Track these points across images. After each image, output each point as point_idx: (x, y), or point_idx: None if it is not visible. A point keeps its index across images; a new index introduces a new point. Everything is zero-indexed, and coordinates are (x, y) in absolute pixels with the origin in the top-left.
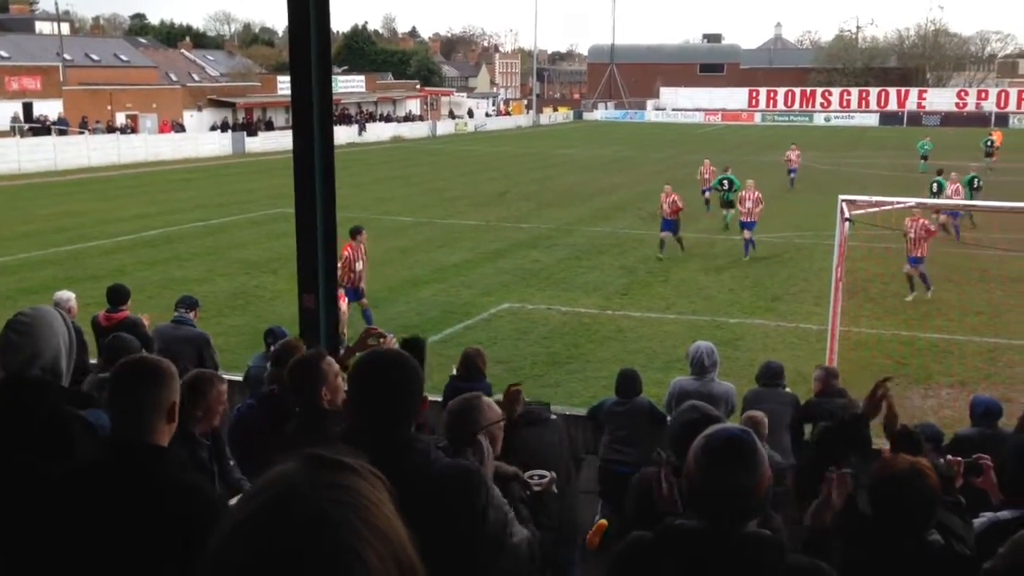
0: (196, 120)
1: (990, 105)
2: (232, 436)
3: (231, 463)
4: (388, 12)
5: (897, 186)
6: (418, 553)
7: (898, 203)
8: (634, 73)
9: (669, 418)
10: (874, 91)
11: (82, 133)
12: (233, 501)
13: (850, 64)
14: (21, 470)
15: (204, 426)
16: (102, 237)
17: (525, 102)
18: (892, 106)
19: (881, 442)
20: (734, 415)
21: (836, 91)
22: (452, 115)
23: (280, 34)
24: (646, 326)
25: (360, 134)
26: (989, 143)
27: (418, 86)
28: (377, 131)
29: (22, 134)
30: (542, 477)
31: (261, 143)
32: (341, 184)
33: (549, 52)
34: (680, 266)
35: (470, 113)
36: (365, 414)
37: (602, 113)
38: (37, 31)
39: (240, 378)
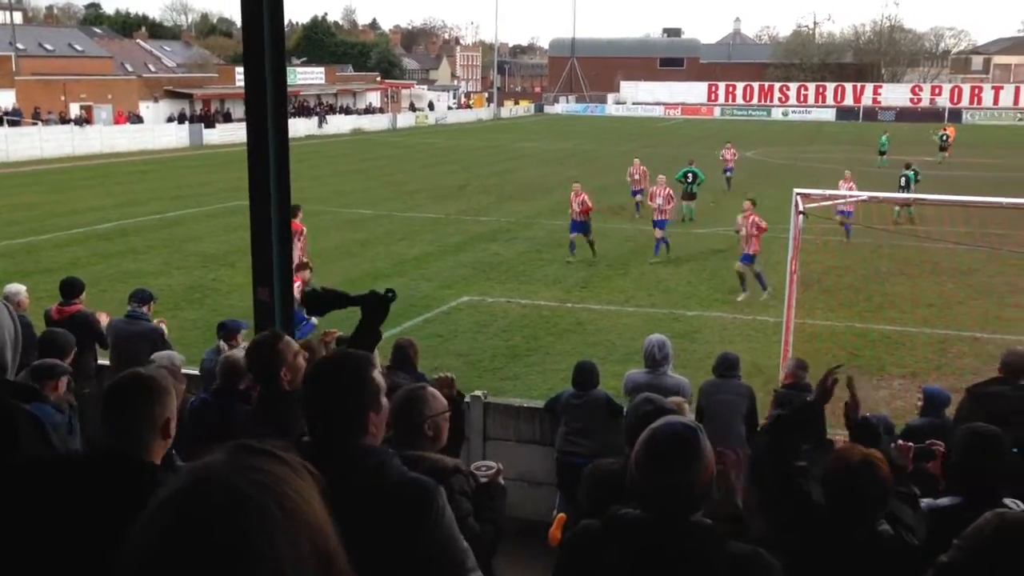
0: (153, 111)
1: (944, 101)
2: (184, 431)
3: (178, 462)
4: (348, 3)
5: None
6: (342, 547)
7: (851, 197)
8: (595, 67)
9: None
10: (831, 86)
11: (35, 124)
12: None
13: (807, 59)
14: None
15: None
16: (56, 230)
17: (486, 95)
18: (848, 101)
19: (836, 433)
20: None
21: (793, 86)
22: (413, 108)
23: (238, 25)
24: (605, 319)
25: (320, 126)
26: (944, 137)
27: (378, 78)
28: (337, 123)
29: None
30: (489, 468)
31: (219, 135)
32: (300, 177)
33: (510, 45)
34: (639, 259)
35: (431, 106)
36: (314, 425)
37: (563, 107)
38: None
39: (197, 372)
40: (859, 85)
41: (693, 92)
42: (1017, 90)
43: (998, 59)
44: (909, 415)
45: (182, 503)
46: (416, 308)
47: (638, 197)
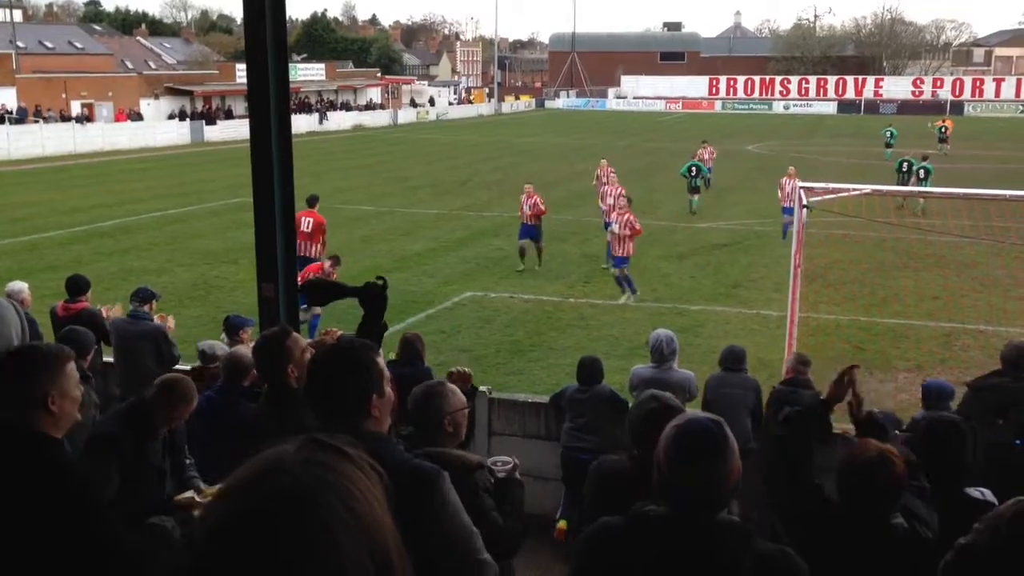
0: (153, 109)
1: (946, 93)
2: (189, 428)
3: (188, 461)
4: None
5: (855, 173)
6: (402, 550)
7: (855, 190)
8: (595, 61)
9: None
10: (832, 79)
11: (36, 122)
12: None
13: (808, 53)
14: None
15: (170, 426)
16: (58, 228)
17: (487, 90)
18: (850, 94)
19: (842, 427)
20: (694, 402)
21: (795, 79)
22: (414, 103)
23: (238, 21)
24: (608, 314)
25: (321, 123)
26: (943, 129)
27: (379, 74)
28: (338, 120)
29: None
30: (505, 463)
31: (220, 132)
32: (302, 173)
33: (510, 40)
34: (642, 254)
35: (432, 101)
36: (317, 409)
37: (564, 101)
38: None
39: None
40: (860, 78)
41: (694, 86)
42: (1019, 82)
43: (999, 51)
44: (915, 408)
45: (249, 494)
46: (419, 304)
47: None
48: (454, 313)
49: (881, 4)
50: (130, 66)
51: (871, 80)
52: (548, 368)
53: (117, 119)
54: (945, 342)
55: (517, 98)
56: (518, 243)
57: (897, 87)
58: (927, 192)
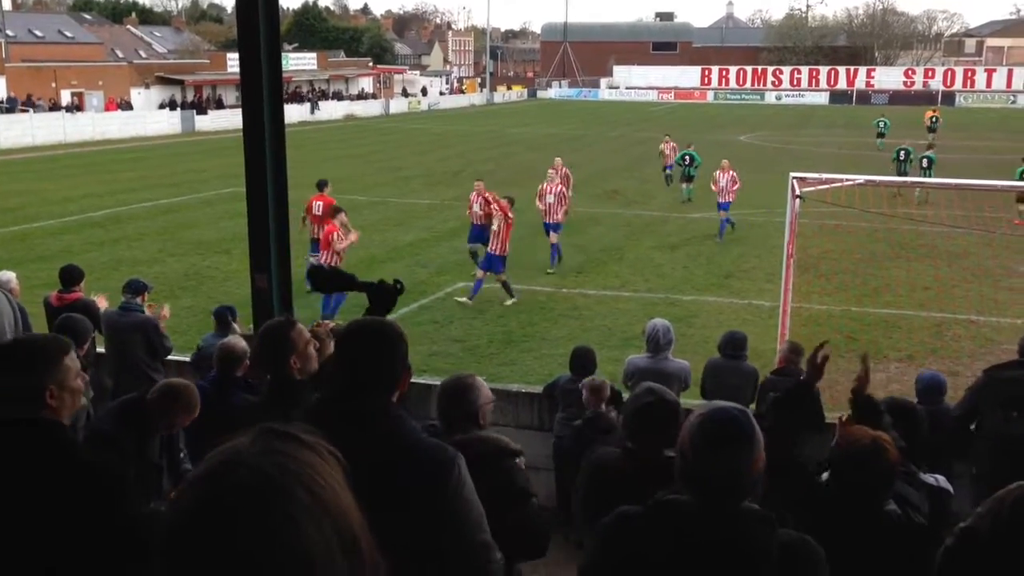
0: (144, 98)
1: (937, 84)
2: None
3: (183, 454)
4: None
5: (848, 163)
6: (367, 530)
7: (847, 180)
8: (587, 51)
9: (625, 397)
10: (824, 70)
11: (26, 111)
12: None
13: (800, 43)
14: None
15: (170, 431)
16: (48, 217)
17: (479, 80)
18: (841, 85)
19: (835, 415)
20: (689, 392)
21: (787, 70)
22: (405, 93)
23: (229, 10)
24: (601, 304)
25: (312, 112)
26: (934, 119)
27: (371, 64)
28: (329, 109)
29: None
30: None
31: (211, 122)
32: (294, 163)
33: (502, 30)
34: (635, 244)
35: (424, 91)
36: (340, 380)
37: (556, 91)
38: None
39: (188, 359)
40: (852, 68)
41: (686, 76)
42: (1010, 73)
43: (991, 42)
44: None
45: (208, 487)
46: (412, 295)
47: (668, 171)
48: (447, 304)
49: None
50: (120, 55)
51: (863, 70)
52: (541, 358)
53: (107, 108)
54: (936, 332)
55: (509, 88)
56: (467, 246)
57: (889, 77)
58: (920, 182)
